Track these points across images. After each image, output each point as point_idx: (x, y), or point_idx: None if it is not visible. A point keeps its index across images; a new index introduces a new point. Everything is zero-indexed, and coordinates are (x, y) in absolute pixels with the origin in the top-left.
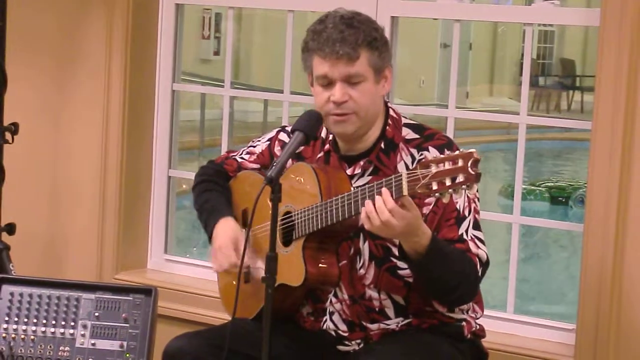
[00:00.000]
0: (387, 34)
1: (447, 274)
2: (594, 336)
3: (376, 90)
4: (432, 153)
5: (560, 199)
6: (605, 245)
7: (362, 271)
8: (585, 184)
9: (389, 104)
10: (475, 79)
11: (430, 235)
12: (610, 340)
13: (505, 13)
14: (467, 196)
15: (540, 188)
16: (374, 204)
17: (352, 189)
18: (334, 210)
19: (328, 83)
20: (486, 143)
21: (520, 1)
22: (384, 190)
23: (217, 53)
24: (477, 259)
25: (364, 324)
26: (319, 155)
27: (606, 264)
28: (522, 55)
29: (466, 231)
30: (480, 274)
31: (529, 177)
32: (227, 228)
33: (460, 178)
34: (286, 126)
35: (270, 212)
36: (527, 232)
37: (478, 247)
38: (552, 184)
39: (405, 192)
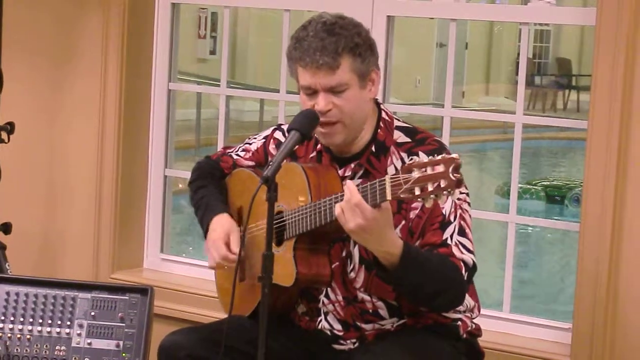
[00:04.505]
0: (382, 33)
1: (426, 282)
2: (590, 335)
3: (362, 96)
4: (422, 158)
5: (556, 197)
6: (601, 244)
7: (352, 274)
8: (581, 183)
9: (382, 106)
10: (472, 78)
11: (401, 245)
12: (606, 339)
13: (502, 12)
14: (455, 201)
15: (536, 187)
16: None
17: (342, 188)
18: (324, 212)
19: (312, 92)
20: (482, 142)
21: (516, 0)
22: (348, 182)
23: (213, 52)
24: (462, 264)
25: (359, 324)
26: (311, 155)
27: (602, 262)
28: (518, 54)
29: (450, 236)
30: (465, 278)
31: (525, 176)
32: (220, 223)
33: (442, 183)
34: (282, 124)
35: (265, 210)
36: (523, 230)
37: (462, 252)
38: (548, 182)
39: (388, 196)
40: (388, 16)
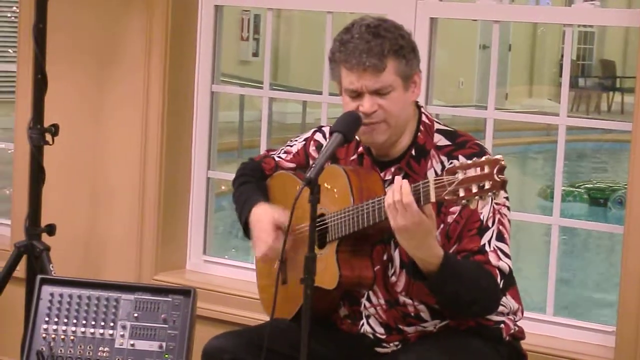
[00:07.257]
0: (426, 35)
1: (462, 291)
2: (635, 338)
3: (405, 98)
4: (462, 162)
5: (599, 200)
6: None
7: (393, 278)
8: (625, 185)
9: (422, 109)
10: (515, 80)
11: (441, 255)
12: None
13: (545, 14)
14: (493, 206)
15: (579, 189)
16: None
17: (384, 190)
18: (366, 214)
19: (357, 95)
20: (525, 145)
21: (560, 2)
22: (404, 182)
23: (255, 54)
24: (498, 271)
25: (401, 327)
26: (352, 157)
27: None
28: (562, 56)
29: (489, 242)
30: (501, 286)
31: (568, 178)
32: (262, 214)
33: (486, 185)
34: (323, 126)
35: (307, 213)
36: (566, 233)
37: (499, 258)
38: (592, 185)
39: (432, 198)
40: (431, 18)
